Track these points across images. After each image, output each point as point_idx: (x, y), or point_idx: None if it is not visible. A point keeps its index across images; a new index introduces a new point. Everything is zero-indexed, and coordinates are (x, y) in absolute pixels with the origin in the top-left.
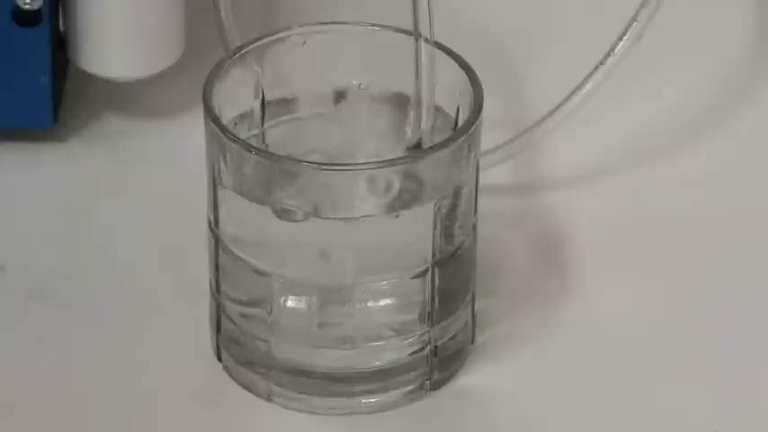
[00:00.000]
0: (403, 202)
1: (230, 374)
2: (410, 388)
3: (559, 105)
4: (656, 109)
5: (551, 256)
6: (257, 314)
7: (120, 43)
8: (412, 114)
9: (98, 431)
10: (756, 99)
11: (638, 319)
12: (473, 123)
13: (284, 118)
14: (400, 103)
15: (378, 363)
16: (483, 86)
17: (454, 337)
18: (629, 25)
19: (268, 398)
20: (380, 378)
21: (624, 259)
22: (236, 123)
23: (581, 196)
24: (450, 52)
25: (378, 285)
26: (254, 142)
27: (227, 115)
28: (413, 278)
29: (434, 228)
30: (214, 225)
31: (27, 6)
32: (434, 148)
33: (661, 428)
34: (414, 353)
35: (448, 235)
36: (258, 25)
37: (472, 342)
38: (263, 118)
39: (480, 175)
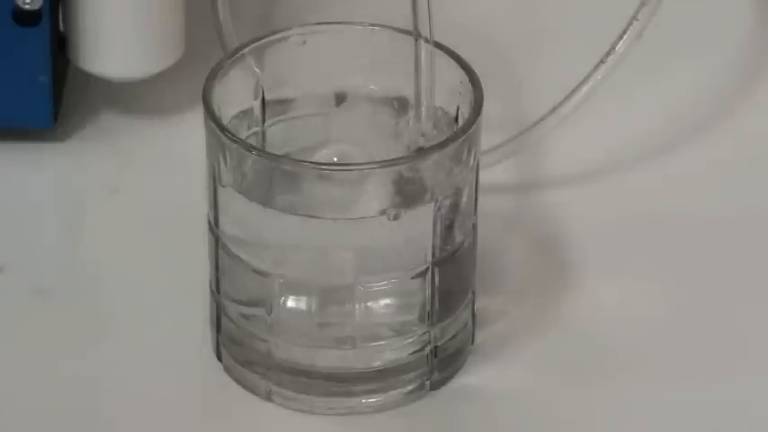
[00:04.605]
0: (403, 202)
1: (230, 374)
2: (410, 388)
3: (559, 105)
4: (657, 108)
5: (551, 256)
6: (257, 314)
7: (120, 43)
8: (412, 114)
9: (98, 431)
10: (756, 99)
11: (638, 318)
12: (473, 123)
13: (284, 117)
14: (400, 103)
15: (378, 363)
16: (483, 86)
17: (454, 336)
18: (630, 24)
19: (268, 398)
20: (380, 378)
21: (624, 259)
22: (235, 123)
23: (581, 196)
24: (450, 52)
25: (378, 285)
26: (253, 142)
27: (227, 115)
28: (413, 278)
29: (434, 228)
30: (214, 225)
31: (27, 6)
32: (434, 148)
33: (661, 428)
34: (414, 353)
35: (448, 235)
36: (257, 26)
37: (472, 342)
38: (263, 118)
39: (480, 174)
